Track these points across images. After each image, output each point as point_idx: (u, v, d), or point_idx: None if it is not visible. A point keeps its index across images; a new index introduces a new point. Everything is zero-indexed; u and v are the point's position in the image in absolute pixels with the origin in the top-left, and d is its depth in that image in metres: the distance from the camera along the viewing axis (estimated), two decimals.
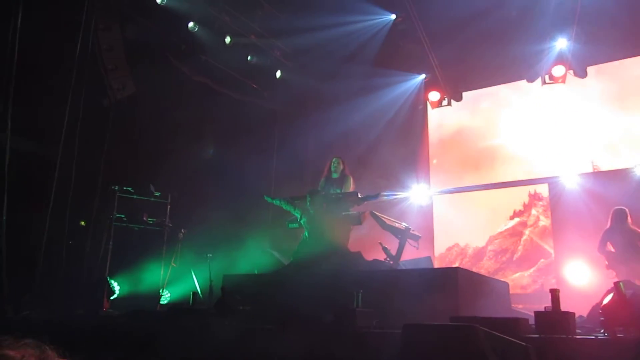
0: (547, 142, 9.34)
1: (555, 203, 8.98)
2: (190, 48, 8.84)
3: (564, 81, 8.91)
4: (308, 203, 6.60)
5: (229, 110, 9.50)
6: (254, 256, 7.75)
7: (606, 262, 7.07)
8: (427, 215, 9.98)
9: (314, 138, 11.15)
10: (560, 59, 8.73)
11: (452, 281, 4.77)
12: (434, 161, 10.47)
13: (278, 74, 10.27)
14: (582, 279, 8.11)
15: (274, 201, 7.04)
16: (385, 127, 10.10)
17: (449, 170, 10.27)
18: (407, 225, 6.60)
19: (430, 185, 10.27)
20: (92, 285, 6.86)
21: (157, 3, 8.14)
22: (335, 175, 7.24)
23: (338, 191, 7.05)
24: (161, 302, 7.64)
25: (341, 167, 7.20)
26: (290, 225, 7.07)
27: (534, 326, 3.76)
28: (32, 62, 6.64)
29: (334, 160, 7.25)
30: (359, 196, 6.70)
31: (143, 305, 6.80)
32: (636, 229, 7.04)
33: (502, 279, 7.16)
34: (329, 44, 8.93)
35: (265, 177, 10.32)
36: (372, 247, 6.84)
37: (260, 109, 10.45)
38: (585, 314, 4.85)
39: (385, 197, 8.21)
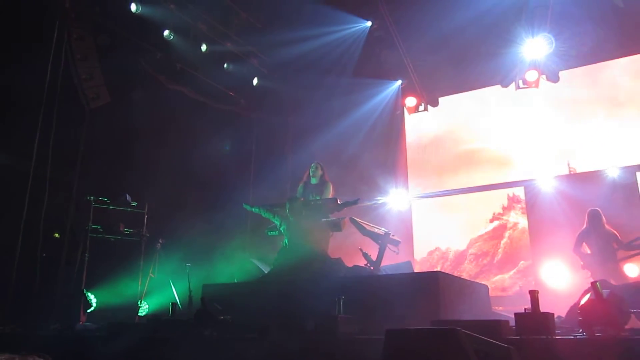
0: (524, 145, 9.46)
1: (532, 206, 9.07)
2: (165, 56, 8.78)
3: (537, 86, 9.06)
4: (287, 210, 6.59)
5: (207, 119, 9.47)
6: (234, 265, 7.74)
7: (582, 263, 7.13)
8: (407, 220, 10.04)
9: (293, 145, 11.16)
10: (533, 65, 8.87)
11: (433, 285, 4.76)
12: (407, 158, 10.53)
13: (255, 81, 10.24)
14: (560, 280, 8.18)
15: (253, 209, 7.00)
16: (365, 133, 10.16)
17: (427, 174, 10.33)
18: (386, 231, 6.60)
19: (408, 190, 10.32)
20: (68, 298, 6.77)
21: (131, 11, 8.06)
22: (314, 181, 7.22)
23: (317, 198, 7.03)
24: (140, 314, 7.57)
25: (320, 172, 7.18)
26: (270, 233, 7.04)
27: (514, 328, 3.79)
28: (2, 72, 6.58)
29: (312, 165, 7.23)
30: (338, 202, 6.70)
31: (121, 317, 6.72)
32: (611, 229, 7.12)
33: (483, 282, 7.19)
34: (307, 53, 8.98)
35: (244, 185, 10.29)
36: (352, 253, 6.81)
37: (238, 117, 10.43)
38: (563, 314, 4.89)
39: (365, 203, 8.16)
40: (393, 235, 6.68)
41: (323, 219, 6.73)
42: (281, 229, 6.72)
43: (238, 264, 7.76)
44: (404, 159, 10.59)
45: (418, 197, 10.23)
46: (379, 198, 9.90)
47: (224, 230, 9.09)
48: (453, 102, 10.43)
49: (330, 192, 7.14)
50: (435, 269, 9.18)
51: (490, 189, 9.56)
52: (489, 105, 9.99)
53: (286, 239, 6.62)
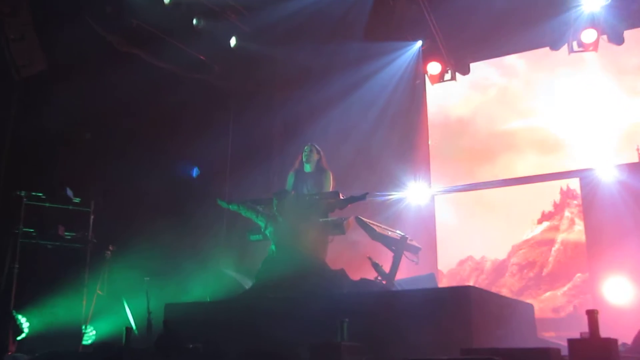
0: (580, 125, 9.43)
1: (590, 202, 9.04)
2: (117, 10, 8.67)
3: (595, 49, 9.03)
4: (275, 208, 6.61)
5: (169, 90, 9.37)
6: (206, 279, 7.72)
7: None
8: (429, 221, 10.01)
9: (281, 125, 11.18)
10: (592, 22, 8.85)
11: (463, 304, 4.77)
12: (430, 142, 10.65)
13: (233, 41, 10.05)
14: (625, 297, 8.21)
15: (230, 206, 7.01)
16: (375, 110, 10.18)
17: (455, 162, 10.32)
18: (403, 234, 6.63)
19: (431, 182, 10.28)
20: None
21: None
22: (308, 169, 7.25)
23: (313, 191, 7.06)
24: (84, 342, 7.56)
25: (316, 157, 7.21)
26: (252, 238, 7.06)
27: (567, 358, 3.80)
28: None
29: (306, 148, 7.24)
30: (341, 197, 6.70)
31: (60, 346, 6.69)
32: None
33: (527, 301, 7.22)
34: (302, 9, 8.99)
35: (218, 175, 10.26)
36: (358, 263, 6.84)
37: (210, 88, 10.33)
38: (629, 340, 4.90)
39: (375, 198, 8.19)
40: (411, 240, 6.69)
41: (321, 219, 6.74)
42: (267, 232, 6.73)
43: (211, 278, 7.75)
44: (425, 142, 10.57)
45: (443, 190, 10.19)
46: (393, 192, 9.86)
47: (193, 234, 9.13)
48: (488, 69, 10.35)
49: (330, 184, 7.16)
50: (467, 284, 9.08)
51: (536, 181, 9.53)
52: (534, 74, 9.94)
53: (273, 245, 6.63)
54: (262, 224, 6.79)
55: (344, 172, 8.33)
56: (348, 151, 9.75)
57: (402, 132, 10.45)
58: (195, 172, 9.95)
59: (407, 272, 6.64)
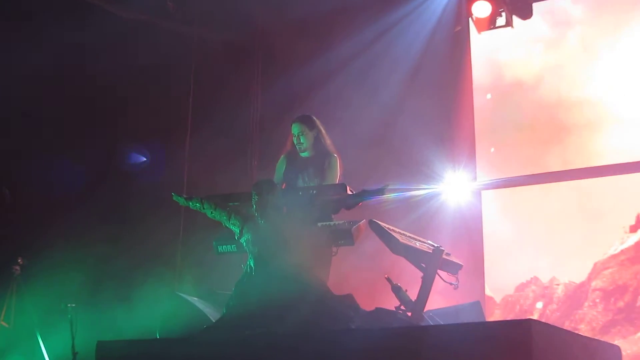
0: None
1: None
2: None
3: None
4: (255, 206, 6.49)
5: (112, 39, 9.52)
6: (156, 307, 7.69)
7: None
8: (473, 227, 10.00)
9: (266, 92, 11.21)
10: None
11: (522, 345, 4.61)
12: (475, 116, 10.56)
13: None
14: None
15: (191, 203, 6.89)
16: (399, 73, 10.23)
17: (509, 145, 10.33)
18: (437, 246, 6.53)
19: (476, 173, 10.23)
20: None
21: None
22: (306, 153, 7.30)
23: (313, 183, 7.10)
24: None
25: (311, 134, 7.27)
26: (222, 249, 6.97)
27: None
28: None
29: (294, 129, 7.30)
30: (350, 191, 6.62)
31: None
32: None
33: (615, 341, 7.22)
34: None
35: (173, 160, 10.29)
36: (373, 286, 6.98)
37: (169, 37, 10.45)
38: None
39: (398, 195, 7.97)
40: (448, 255, 6.61)
41: (320, 223, 6.68)
42: (242, 240, 6.59)
43: (163, 305, 7.66)
44: (468, 116, 10.53)
45: (493, 184, 10.14)
46: (423, 186, 9.52)
47: (138, 243, 9.15)
48: (559, 10, 10.31)
49: (335, 173, 7.23)
50: (529, 317, 8.81)
51: (628, 172, 9.49)
52: (623, 20, 9.87)
53: (251, 260, 6.47)
54: (235, 229, 6.65)
55: (357, 158, 8.35)
56: (363, 131, 9.77)
57: (437, 103, 10.36)
58: (139, 158, 10.10)
59: (442, 300, 6.64)
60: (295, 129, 7.26)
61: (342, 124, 8.81)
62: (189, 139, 10.65)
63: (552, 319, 9.15)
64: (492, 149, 10.57)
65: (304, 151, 7.29)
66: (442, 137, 10.32)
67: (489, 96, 10.59)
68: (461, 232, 9.77)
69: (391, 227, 6.57)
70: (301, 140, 7.23)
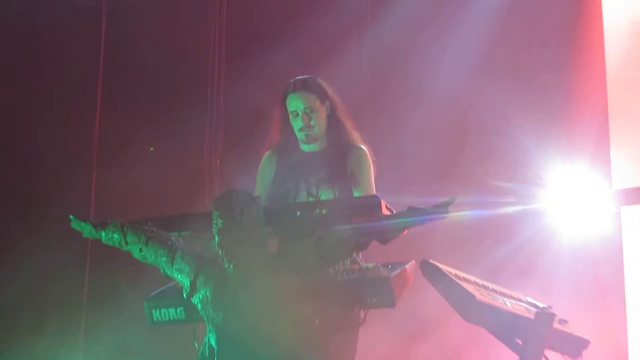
0: None
1: None
2: None
3: None
4: (218, 238, 4.84)
5: None
6: None
7: None
8: (609, 270, 8.28)
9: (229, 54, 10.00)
10: None
11: None
12: (608, 92, 9.28)
13: None
14: None
15: (104, 233, 5.18)
16: (488, 31, 8.85)
17: None
18: (544, 307, 5.02)
19: (611, 178, 8.82)
20: None
21: None
22: (314, 145, 5.77)
23: (323, 195, 5.70)
24: None
25: (324, 111, 5.77)
26: (158, 316, 5.34)
27: None
28: None
29: (301, 94, 5.74)
30: (385, 210, 5.09)
31: None
32: None
33: None
34: None
35: (79, 160, 9.17)
36: None
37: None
38: None
39: (474, 214, 6.88)
40: (563, 323, 5.07)
41: (335, 268, 5.10)
42: (196, 300, 4.96)
43: None
44: (598, 92, 9.01)
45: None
46: (521, 200, 8.25)
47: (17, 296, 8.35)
48: None
49: (369, 179, 5.80)
50: None
51: None
52: None
53: (212, 336, 4.92)
54: (184, 279, 4.94)
55: (405, 152, 7.52)
56: (425, 112, 8.36)
57: (548, 76, 8.73)
58: None
59: None
60: (298, 101, 5.74)
61: (387, 103, 7.80)
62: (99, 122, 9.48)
63: None
64: None
65: (312, 141, 5.77)
66: (554, 122, 8.56)
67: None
68: (588, 281, 8.12)
69: (461, 274, 4.93)
70: (311, 123, 5.70)
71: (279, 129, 5.87)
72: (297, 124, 5.69)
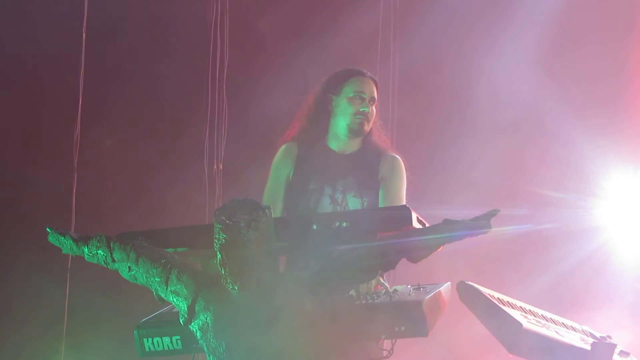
0: None
1: None
2: None
3: None
4: (220, 255, 4.57)
5: None
6: None
7: None
8: None
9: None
10: None
11: None
12: None
13: None
14: None
15: (86, 249, 4.91)
16: (543, 31, 8.63)
17: None
18: (602, 337, 4.79)
19: None
20: None
21: None
22: (345, 146, 5.65)
23: (352, 205, 5.54)
24: None
25: (372, 116, 5.67)
26: (150, 345, 5.09)
27: None
28: None
29: (370, 81, 5.73)
30: (417, 222, 4.80)
31: None
32: None
33: None
34: None
35: (54, 166, 8.99)
36: None
37: None
38: None
39: (519, 229, 6.69)
40: (626, 355, 4.95)
41: (358, 292, 5.01)
42: (195, 327, 4.71)
43: None
44: None
45: None
46: (577, 212, 7.90)
47: None
48: None
49: (402, 188, 5.70)
50: None
51: None
52: None
53: None
54: (181, 303, 4.70)
55: (443, 160, 7.45)
56: (460, 107, 8.39)
57: (610, 76, 8.58)
58: None
59: None
60: (367, 86, 5.65)
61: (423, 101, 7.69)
62: (80, 124, 9.22)
63: None
64: None
65: (358, 134, 5.65)
66: (616, 127, 8.38)
67: None
68: None
69: (505, 299, 4.70)
70: (370, 113, 5.64)
71: (309, 116, 5.56)
72: (354, 108, 5.44)
